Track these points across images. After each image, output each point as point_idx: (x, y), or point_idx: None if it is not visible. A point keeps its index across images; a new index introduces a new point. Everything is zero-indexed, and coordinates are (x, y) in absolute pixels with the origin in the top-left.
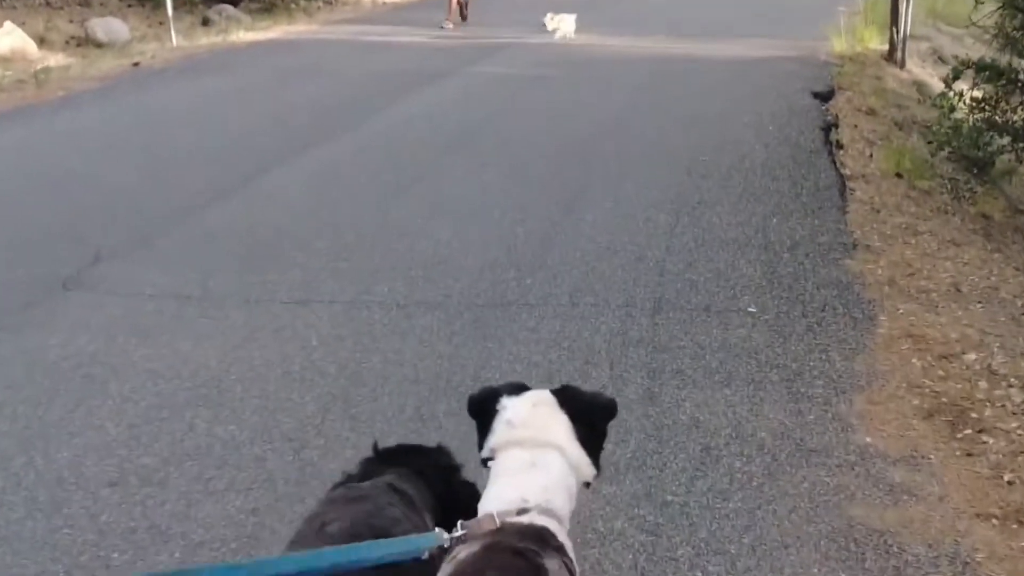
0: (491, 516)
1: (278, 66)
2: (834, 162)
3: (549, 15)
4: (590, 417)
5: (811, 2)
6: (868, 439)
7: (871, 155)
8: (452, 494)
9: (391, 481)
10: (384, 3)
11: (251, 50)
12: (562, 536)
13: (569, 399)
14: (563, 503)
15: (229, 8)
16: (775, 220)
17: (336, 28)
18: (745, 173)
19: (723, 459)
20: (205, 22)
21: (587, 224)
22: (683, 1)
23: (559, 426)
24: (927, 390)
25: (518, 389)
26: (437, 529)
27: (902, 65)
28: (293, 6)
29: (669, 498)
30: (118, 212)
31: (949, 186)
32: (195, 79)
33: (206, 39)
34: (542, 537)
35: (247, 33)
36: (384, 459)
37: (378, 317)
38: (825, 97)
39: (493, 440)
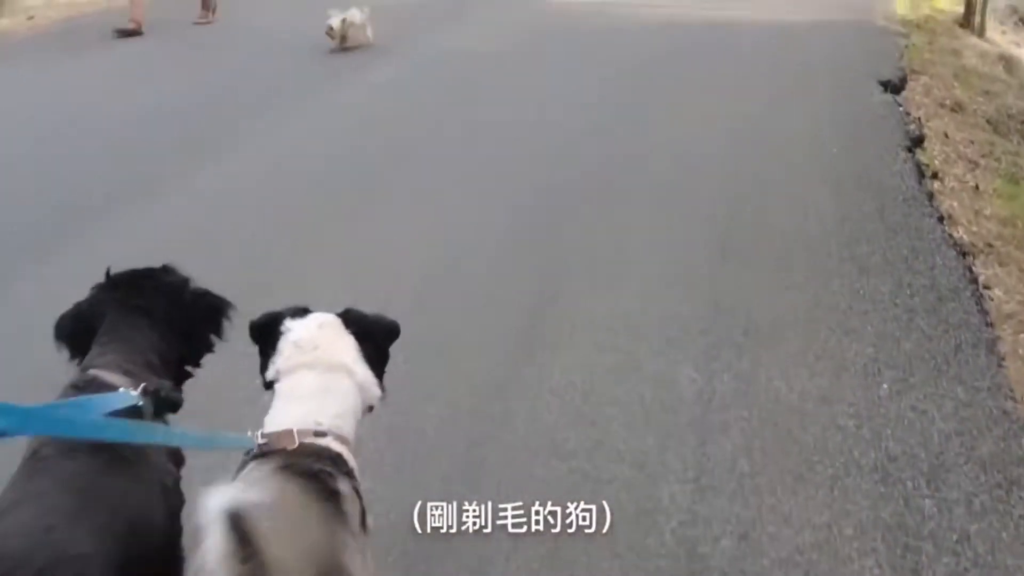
0: (291, 433)
1: (175, 40)
2: (941, 219)
3: (336, 16)
4: (375, 338)
5: None
6: None
7: (976, 186)
8: (185, 312)
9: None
10: None
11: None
12: (352, 461)
13: (354, 320)
14: (352, 428)
15: None
16: (885, 386)
17: None
18: (812, 253)
19: None
20: None
21: (547, 401)
22: None
23: (346, 347)
24: None
25: (302, 312)
26: (250, 432)
27: (981, 32)
28: None
29: None
30: None
31: None
32: (42, 56)
33: None
34: (335, 462)
35: None
36: (114, 286)
37: None
38: (896, 87)
39: (280, 362)
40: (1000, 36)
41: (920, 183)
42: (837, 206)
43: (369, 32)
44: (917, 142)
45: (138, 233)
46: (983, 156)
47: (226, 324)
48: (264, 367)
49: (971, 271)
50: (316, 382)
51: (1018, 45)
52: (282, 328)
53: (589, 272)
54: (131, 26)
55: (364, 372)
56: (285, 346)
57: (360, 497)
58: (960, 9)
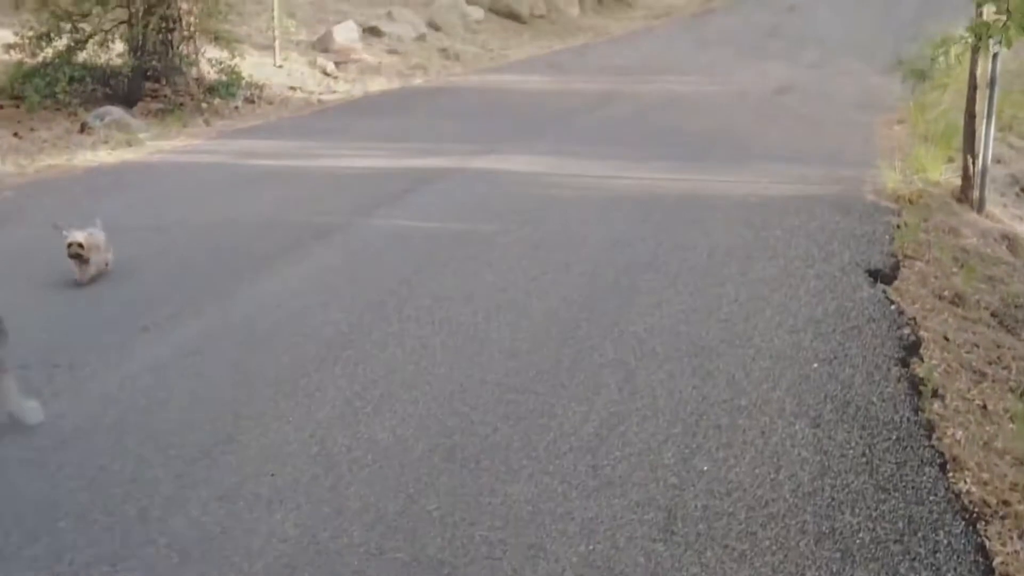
0: None
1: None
2: (943, 466)
3: (75, 231)
4: None
5: (838, 107)
6: None
7: (984, 405)
8: None
9: None
10: (320, 101)
11: (82, 181)
12: None
13: None
14: None
15: (116, 111)
16: None
17: (224, 143)
18: (783, 528)
19: None
20: (83, 129)
21: None
22: (669, 107)
23: None
24: None
25: None
26: None
27: (980, 207)
28: (205, 105)
29: None
30: None
31: None
32: None
33: (47, 160)
34: None
35: (98, 153)
36: None
37: None
38: (888, 276)
39: None
40: (1001, 210)
41: (916, 410)
42: (815, 451)
43: (110, 255)
44: (912, 349)
45: None
46: (990, 363)
47: None
48: None
49: (985, 553)
50: None
51: (1022, 220)
52: None
53: (491, 566)
54: None
55: None
56: None
57: None
58: (957, 181)
